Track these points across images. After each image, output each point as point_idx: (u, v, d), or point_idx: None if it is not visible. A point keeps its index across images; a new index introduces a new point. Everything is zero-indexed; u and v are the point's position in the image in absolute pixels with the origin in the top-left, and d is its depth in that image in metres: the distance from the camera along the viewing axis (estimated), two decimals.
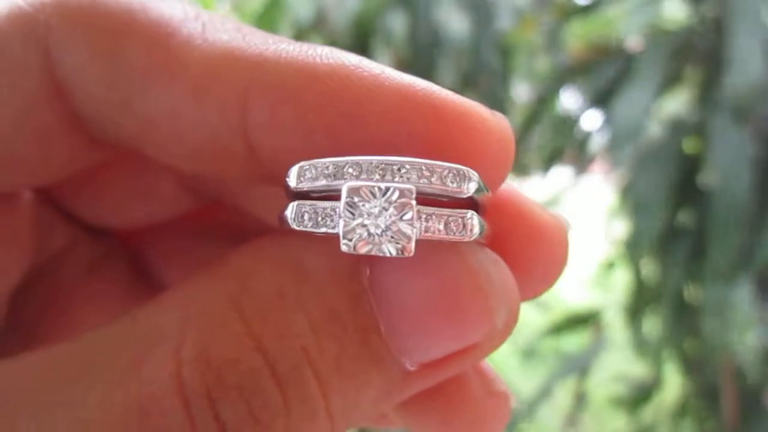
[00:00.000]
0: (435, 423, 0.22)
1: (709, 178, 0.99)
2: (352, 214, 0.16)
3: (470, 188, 0.17)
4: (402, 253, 0.16)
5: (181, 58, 0.18)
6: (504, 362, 2.08)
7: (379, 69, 0.18)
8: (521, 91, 1.73)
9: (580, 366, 1.44)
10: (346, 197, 0.16)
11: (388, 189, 0.16)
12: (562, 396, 1.74)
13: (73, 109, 0.19)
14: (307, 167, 0.17)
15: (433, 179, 0.16)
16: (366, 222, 0.16)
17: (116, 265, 0.26)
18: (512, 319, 0.19)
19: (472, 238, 0.17)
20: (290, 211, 0.17)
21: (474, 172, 0.17)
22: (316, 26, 0.99)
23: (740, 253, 0.98)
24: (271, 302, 0.17)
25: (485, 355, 0.19)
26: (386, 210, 0.16)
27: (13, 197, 0.22)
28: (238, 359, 0.16)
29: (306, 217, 0.17)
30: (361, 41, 0.92)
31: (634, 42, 1.11)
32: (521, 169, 1.49)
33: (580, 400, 1.54)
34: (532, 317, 2.00)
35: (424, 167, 0.16)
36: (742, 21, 0.95)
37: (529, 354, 1.60)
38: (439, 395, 0.21)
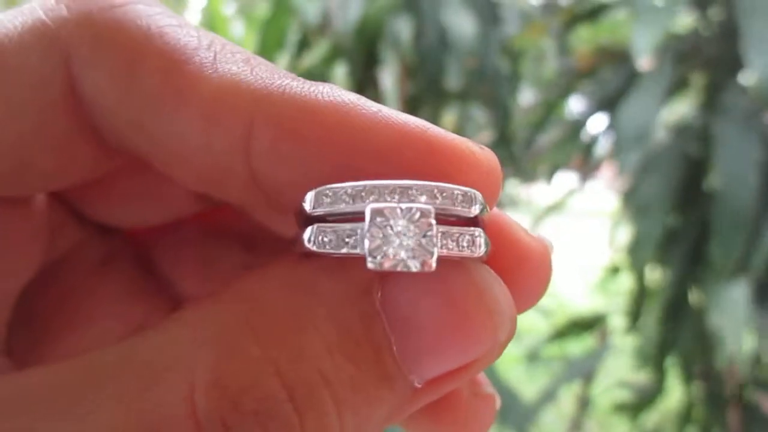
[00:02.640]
0: (423, 422, 0.23)
1: (714, 181, 0.99)
2: (377, 233, 0.17)
3: (476, 208, 0.18)
4: (424, 267, 0.17)
5: (192, 85, 0.18)
6: (508, 366, 2.08)
7: (376, 108, 0.18)
8: (527, 96, 1.73)
9: (584, 371, 1.43)
10: (371, 217, 0.17)
11: (410, 209, 0.17)
12: (567, 401, 1.74)
13: (89, 121, 0.20)
14: (326, 192, 0.18)
15: (444, 200, 0.17)
16: (390, 240, 0.17)
17: (124, 263, 0.27)
18: (512, 333, 0.20)
19: (480, 254, 0.18)
20: (309, 234, 0.18)
21: (479, 194, 0.18)
22: (322, 30, 0.99)
23: (741, 256, 0.99)
24: (286, 325, 0.17)
25: (485, 367, 0.20)
26: (409, 229, 0.17)
27: (27, 200, 0.23)
28: (255, 385, 0.16)
29: (327, 239, 0.18)
30: (366, 45, 0.93)
31: (644, 62, 1.11)
32: (527, 174, 1.50)
33: (585, 404, 1.54)
34: (537, 322, 2.00)
35: (435, 189, 0.17)
36: (755, 19, 0.96)
37: (533, 358, 1.60)
38: None
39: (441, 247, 0.17)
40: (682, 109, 1.40)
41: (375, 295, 0.18)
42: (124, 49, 0.19)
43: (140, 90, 0.19)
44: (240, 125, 0.18)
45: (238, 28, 1.59)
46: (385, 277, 0.18)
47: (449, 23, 0.96)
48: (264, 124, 0.18)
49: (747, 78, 1.12)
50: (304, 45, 1.06)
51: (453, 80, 1.01)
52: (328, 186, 0.18)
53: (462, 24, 0.97)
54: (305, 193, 0.18)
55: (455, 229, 0.18)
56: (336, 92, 0.19)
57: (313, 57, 1.05)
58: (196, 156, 0.19)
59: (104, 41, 0.19)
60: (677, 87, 1.21)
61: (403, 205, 0.17)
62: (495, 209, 0.21)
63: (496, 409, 0.24)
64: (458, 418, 0.23)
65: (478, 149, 0.19)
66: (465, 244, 0.18)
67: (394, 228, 0.17)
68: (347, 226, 0.17)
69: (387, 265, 0.17)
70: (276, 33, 1.02)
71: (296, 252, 0.19)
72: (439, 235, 0.17)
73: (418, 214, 0.17)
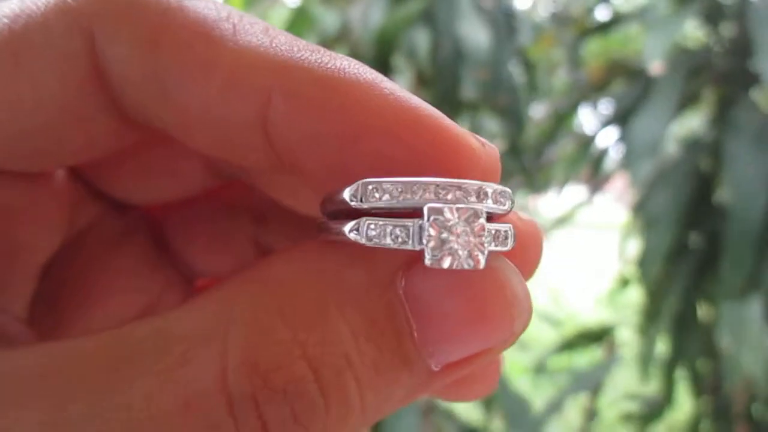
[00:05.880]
0: None
1: (724, 195, 1.00)
2: (436, 232, 0.18)
3: (510, 206, 0.19)
4: (476, 266, 0.18)
5: (214, 56, 0.19)
6: (515, 377, 2.07)
7: (390, 89, 0.19)
8: (537, 108, 1.74)
9: (591, 383, 1.43)
10: (428, 216, 0.18)
11: (465, 210, 0.18)
12: (573, 412, 1.73)
13: (112, 96, 0.20)
14: (374, 185, 0.18)
15: (488, 199, 0.18)
16: (449, 239, 0.18)
17: (140, 238, 0.27)
18: (527, 324, 0.20)
19: (509, 248, 0.19)
20: (355, 226, 0.18)
21: (510, 192, 0.19)
22: (341, 38, 1.00)
23: (753, 272, 0.99)
24: (314, 310, 0.18)
25: (500, 353, 0.20)
26: (466, 229, 0.18)
27: (49, 175, 0.23)
28: (284, 365, 0.17)
29: (373, 233, 0.18)
30: (383, 55, 0.94)
31: (655, 67, 1.13)
32: (537, 185, 1.50)
33: (591, 416, 1.54)
34: (545, 333, 2.00)
35: (481, 189, 0.18)
36: None
37: (540, 369, 1.60)
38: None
39: (489, 244, 0.18)
40: (693, 123, 1.41)
41: (399, 285, 0.18)
42: (146, 24, 0.19)
43: (163, 62, 0.19)
44: (258, 95, 0.19)
45: None
46: (408, 267, 0.18)
47: (465, 35, 0.97)
48: (280, 96, 0.19)
49: (759, 93, 1.13)
50: None
51: (468, 90, 1.02)
52: (375, 180, 0.18)
53: (477, 35, 0.98)
54: (317, 160, 0.19)
55: (494, 227, 0.18)
56: (354, 68, 0.19)
57: None
58: (216, 124, 0.20)
59: (126, 17, 0.19)
60: (689, 101, 1.22)
61: (459, 206, 0.18)
62: None
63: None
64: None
65: (480, 145, 0.19)
66: (500, 240, 0.19)
67: (453, 228, 0.18)
68: (398, 221, 0.18)
69: (445, 262, 0.18)
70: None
71: (321, 238, 0.20)
72: (490, 231, 0.18)
73: (472, 215, 0.18)
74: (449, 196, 0.18)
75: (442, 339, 0.19)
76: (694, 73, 1.18)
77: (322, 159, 0.19)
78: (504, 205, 0.19)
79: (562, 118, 1.45)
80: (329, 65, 0.19)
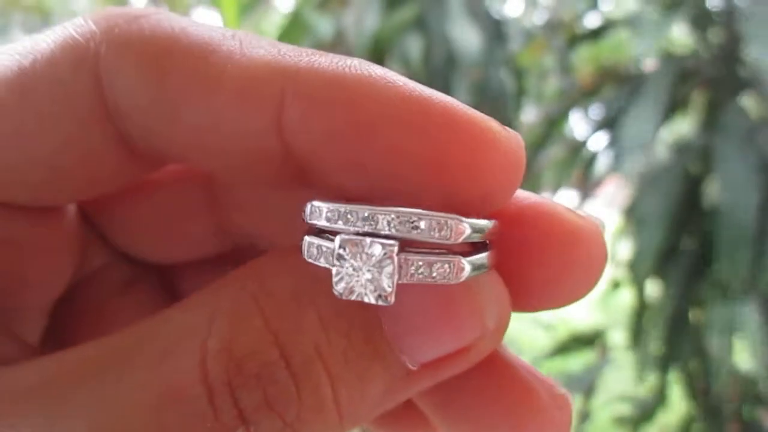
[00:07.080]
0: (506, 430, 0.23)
1: (714, 198, 1.01)
2: (341, 264, 0.18)
3: (460, 237, 0.18)
4: (384, 301, 0.18)
5: (222, 70, 0.19)
6: None
7: (402, 81, 0.19)
8: (528, 113, 1.75)
9: (584, 385, 1.44)
10: (338, 248, 0.18)
11: (372, 243, 0.17)
12: None
13: (119, 128, 0.21)
14: (314, 208, 0.19)
15: (421, 230, 0.17)
16: (352, 273, 0.18)
17: (147, 286, 0.28)
18: (503, 323, 0.20)
19: (459, 281, 0.18)
20: (302, 243, 0.19)
21: (464, 220, 0.18)
22: (335, 45, 1.01)
23: (748, 274, 1.00)
24: (287, 301, 0.19)
25: (481, 356, 0.20)
26: (369, 263, 0.17)
27: (58, 211, 0.24)
28: (257, 351, 0.18)
29: (313, 251, 0.19)
30: (377, 60, 0.95)
31: (646, 65, 1.15)
32: (529, 191, 1.51)
33: (584, 419, 1.55)
34: (538, 337, 2.01)
35: (413, 217, 0.17)
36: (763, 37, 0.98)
37: None
38: (505, 401, 0.22)
39: (411, 275, 0.18)
40: (683, 128, 1.43)
41: None
42: (150, 53, 0.20)
43: (172, 86, 0.19)
44: (270, 103, 0.19)
45: None
46: None
47: (456, 40, 0.99)
48: (293, 101, 0.19)
49: (747, 99, 1.15)
50: None
51: (460, 95, 1.03)
52: (316, 203, 0.19)
53: (468, 41, 0.99)
54: (336, 158, 0.19)
55: (431, 258, 0.18)
56: (364, 65, 0.19)
57: None
58: (231, 138, 0.20)
59: (132, 47, 0.20)
60: (678, 106, 1.24)
61: (368, 240, 0.17)
62: (534, 196, 0.21)
63: (572, 409, 0.23)
64: (541, 422, 0.23)
65: (502, 130, 0.19)
66: (441, 273, 0.18)
67: (356, 261, 0.18)
68: (329, 244, 0.18)
69: (347, 295, 0.18)
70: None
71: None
72: (411, 262, 0.18)
73: (379, 249, 0.17)
74: (367, 224, 0.18)
75: (410, 334, 0.19)
76: (684, 78, 1.20)
77: (341, 156, 0.19)
78: (446, 235, 0.18)
79: (554, 123, 1.46)
80: (339, 64, 0.19)
